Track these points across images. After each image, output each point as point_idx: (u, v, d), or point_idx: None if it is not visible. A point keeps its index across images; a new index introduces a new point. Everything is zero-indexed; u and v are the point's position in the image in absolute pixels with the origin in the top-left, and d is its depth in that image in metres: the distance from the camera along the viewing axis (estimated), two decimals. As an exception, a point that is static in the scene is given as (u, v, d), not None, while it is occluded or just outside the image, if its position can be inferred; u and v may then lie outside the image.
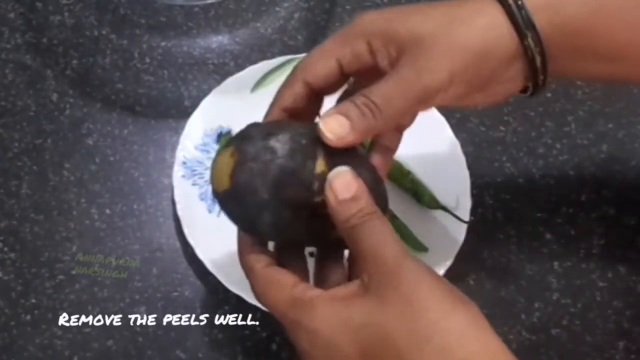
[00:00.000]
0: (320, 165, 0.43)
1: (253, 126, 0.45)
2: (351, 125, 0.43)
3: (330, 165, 0.43)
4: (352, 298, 0.41)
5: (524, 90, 0.49)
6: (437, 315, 0.39)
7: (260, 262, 0.44)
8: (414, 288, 0.40)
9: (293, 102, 0.47)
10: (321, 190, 0.42)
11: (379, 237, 0.41)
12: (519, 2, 0.45)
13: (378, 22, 0.46)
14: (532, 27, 0.45)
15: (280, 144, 0.43)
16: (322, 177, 0.43)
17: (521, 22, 0.44)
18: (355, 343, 0.40)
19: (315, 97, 0.48)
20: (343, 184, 0.42)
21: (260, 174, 0.42)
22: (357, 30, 0.46)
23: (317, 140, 0.43)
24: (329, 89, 0.48)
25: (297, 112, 0.47)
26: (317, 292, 0.42)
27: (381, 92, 0.44)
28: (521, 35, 0.45)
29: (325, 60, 0.46)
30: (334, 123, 0.43)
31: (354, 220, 0.41)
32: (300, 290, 0.42)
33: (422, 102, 0.45)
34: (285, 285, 0.43)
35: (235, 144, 0.43)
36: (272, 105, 0.48)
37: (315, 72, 0.46)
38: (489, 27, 0.45)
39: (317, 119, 0.46)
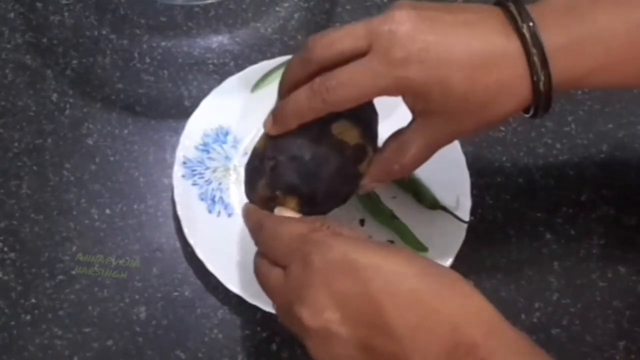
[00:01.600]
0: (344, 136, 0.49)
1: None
2: (382, 184, 0.52)
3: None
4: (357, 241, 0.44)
5: (526, 110, 0.50)
6: (421, 280, 0.41)
7: (270, 214, 0.48)
8: (401, 255, 0.43)
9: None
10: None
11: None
12: (549, 82, 0.46)
13: (415, 79, 0.46)
14: (550, 98, 0.47)
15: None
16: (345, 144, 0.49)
17: (542, 97, 0.47)
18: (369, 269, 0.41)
19: None
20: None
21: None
22: (393, 80, 0.46)
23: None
24: None
25: None
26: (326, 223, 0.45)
27: (413, 158, 0.49)
28: (537, 100, 0.47)
29: (358, 101, 0.47)
30: (371, 188, 0.52)
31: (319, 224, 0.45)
32: (319, 224, 0.45)
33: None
34: (300, 220, 0.47)
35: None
36: (289, 118, 0.49)
37: (344, 108, 0.48)
38: (516, 111, 0.48)
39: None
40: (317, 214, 0.49)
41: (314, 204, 0.49)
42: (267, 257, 0.46)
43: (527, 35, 0.45)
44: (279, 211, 0.49)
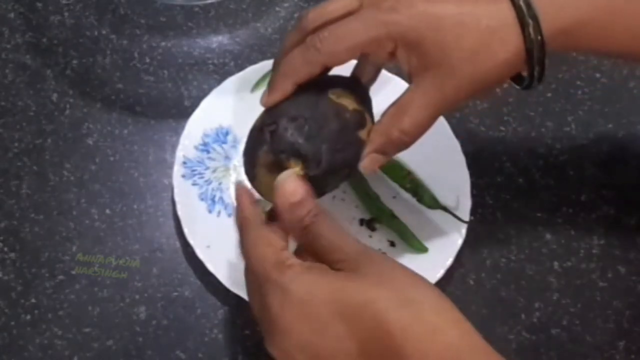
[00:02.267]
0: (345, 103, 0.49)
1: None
2: (387, 158, 0.49)
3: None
4: (327, 272, 0.43)
5: (519, 80, 0.50)
6: (407, 285, 0.42)
7: (257, 218, 0.46)
8: (382, 267, 0.43)
9: (306, 79, 0.49)
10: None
11: (336, 231, 0.44)
12: (538, 26, 0.46)
13: (407, 28, 0.46)
14: (542, 47, 0.46)
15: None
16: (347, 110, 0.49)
17: (534, 45, 0.46)
18: (330, 304, 0.41)
19: None
20: (289, 190, 0.45)
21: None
22: (386, 31, 0.46)
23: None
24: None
25: None
26: (297, 261, 0.44)
27: (413, 122, 0.48)
28: (528, 51, 0.46)
29: (351, 52, 0.48)
30: (373, 163, 0.49)
31: (307, 219, 0.44)
32: (286, 254, 0.44)
33: (440, 116, 0.49)
34: (275, 245, 0.45)
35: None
36: (285, 79, 0.49)
37: (338, 61, 0.48)
38: (509, 61, 0.47)
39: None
40: (323, 180, 0.48)
41: (318, 165, 0.47)
42: (249, 276, 0.46)
43: None
44: (287, 174, 0.46)
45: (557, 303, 0.59)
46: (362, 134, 0.49)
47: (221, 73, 0.67)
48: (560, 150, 0.65)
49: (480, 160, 0.64)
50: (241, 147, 0.63)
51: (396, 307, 0.40)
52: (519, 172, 0.64)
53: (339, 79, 0.50)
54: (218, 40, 0.69)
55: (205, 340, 0.57)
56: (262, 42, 0.69)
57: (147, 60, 0.68)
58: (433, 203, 0.61)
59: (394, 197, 0.62)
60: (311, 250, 0.45)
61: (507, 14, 0.46)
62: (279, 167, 0.47)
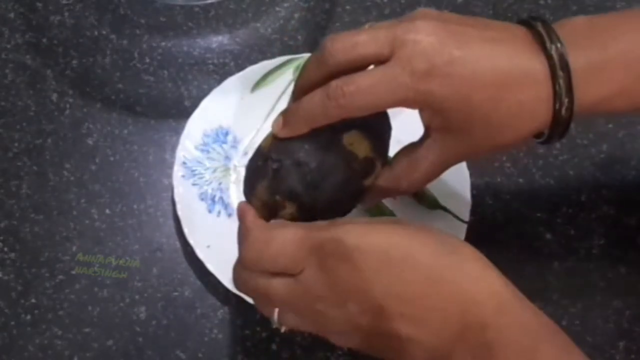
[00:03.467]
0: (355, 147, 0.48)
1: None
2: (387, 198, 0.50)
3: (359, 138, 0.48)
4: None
5: (538, 135, 0.49)
6: (448, 238, 0.44)
7: (260, 222, 0.47)
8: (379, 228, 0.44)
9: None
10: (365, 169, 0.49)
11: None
12: (571, 106, 0.45)
13: (438, 100, 0.45)
14: (569, 122, 0.46)
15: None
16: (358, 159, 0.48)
17: (561, 122, 0.46)
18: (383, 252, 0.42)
19: None
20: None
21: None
22: (417, 97, 0.45)
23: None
24: None
25: None
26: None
27: (424, 175, 0.48)
28: (555, 124, 0.46)
29: (374, 110, 0.46)
30: (374, 203, 0.53)
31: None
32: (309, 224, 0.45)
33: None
34: (292, 226, 0.45)
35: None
36: (302, 121, 0.47)
37: (359, 115, 0.46)
38: (534, 132, 0.47)
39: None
40: (313, 219, 0.48)
41: (312, 214, 0.47)
42: (258, 270, 0.45)
43: (555, 57, 0.44)
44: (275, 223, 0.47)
45: (557, 303, 0.59)
46: (368, 181, 0.49)
47: (221, 73, 0.67)
48: (560, 150, 0.65)
49: (480, 160, 0.64)
50: (241, 147, 0.63)
51: (441, 254, 0.42)
52: (519, 172, 0.64)
53: (358, 119, 0.47)
54: (218, 40, 0.69)
55: (205, 340, 0.57)
56: (262, 42, 0.69)
57: (147, 60, 0.68)
58: (433, 203, 0.61)
59: (394, 197, 0.62)
60: None
61: (542, 83, 0.45)
62: (273, 206, 0.48)
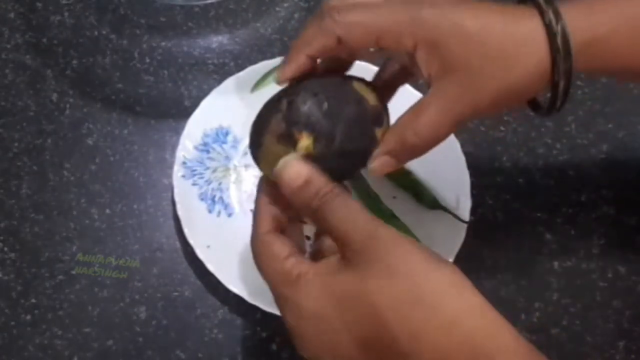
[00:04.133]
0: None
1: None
2: (398, 163, 0.46)
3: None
4: (334, 273, 0.42)
5: (536, 107, 0.49)
6: (418, 279, 0.40)
7: (263, 225, 0.45)
8: (392, 254, 0.40)
9: (320, 53, 0.46)
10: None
11: (345, 213, 0.42)
12: (566, 37, 0.44)
13: (430, 25, 0.44)
14: (569, 58, 0.45)
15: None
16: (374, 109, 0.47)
17: (561, 55, 0.44)
18: (341, 314, 0.41)
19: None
20: (292, 173, 0.43)
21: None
22: (408, 22, 0.44)
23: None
24: (357, 54, 0.48)
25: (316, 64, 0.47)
26: (305, 267, 0.43)
27: (428, 125, 0.45)
28: (555, 62, 0.45)
29: (367, 36, 0.45)
30: (383, 166, 0.46)
31: (314, 202, 0.42)
32: (290, 264, 0.43)
33: (460, 126, 0.46)
34: (278, 256, 0.43)
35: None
36: (298, 50, 0.47)
37: (352, 40, 0.45)
38: (534, 72, 0.45)
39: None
40: (331, 163, 0.45)
41: (330, 144, 0.45)
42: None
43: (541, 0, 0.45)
44: (289, 158, 0.44)
45: (557, 303, 0.59)
46: (378, 132, 0.46)
47: (221, 73, 0.67)
48: (560, 150, 0.65)
49: (480, 160, 0.64)
50: (241, 147, 0.63)
51: (402, 303, 0.40)
52: (519, 172, 0.64)
53: (363, 79, 0.48)
54: (218, 40, 0.69)
55: (205, 340, 0.57)
56: (262, 42, 0.69)
57: (147, 60, 0.68)
58: (433, 203, 0.61)
59: (394, 197, 0.62)
60: (320, 229, 0.44)
61: (535, 24, 0.45)
62: (289, 138, 0.45)
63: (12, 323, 0.57)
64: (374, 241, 0.41)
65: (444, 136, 0.46)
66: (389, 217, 0.60)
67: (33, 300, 0.58)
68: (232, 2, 0.71)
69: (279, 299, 0.43)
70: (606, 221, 0.63)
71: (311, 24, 0.46)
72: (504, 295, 0.59)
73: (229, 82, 0.64)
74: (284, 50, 0.68)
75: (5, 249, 0.60)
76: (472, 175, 0.61)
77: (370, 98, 0.47)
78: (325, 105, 0.45)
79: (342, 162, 0.46)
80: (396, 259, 0.40)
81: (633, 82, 0.67)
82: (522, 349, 0.41)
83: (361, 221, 0.42)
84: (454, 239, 0.59)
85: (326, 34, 0.45)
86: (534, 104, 0.50)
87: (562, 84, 0.45)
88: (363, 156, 0.47)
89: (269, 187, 0.46)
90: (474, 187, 0.61)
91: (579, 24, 0.45)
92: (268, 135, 0.46)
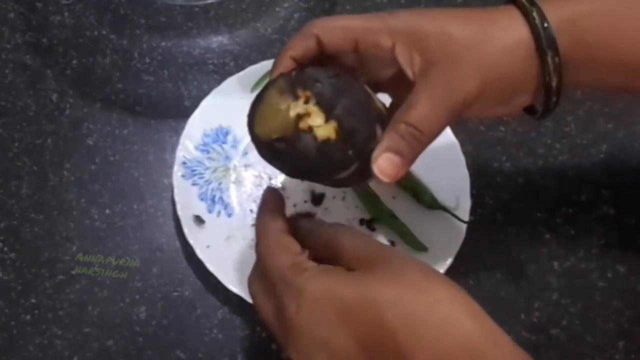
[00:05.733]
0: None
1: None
2: (403, 161, 0.45)
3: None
4: (339, 273, 0.43)
5: (533, 111, 0.49)
6: (432, 297, 0.41)
7: (277, 224, 0.47)
8: (404, 267, 0.42)
9: (302, 54, 0.48)
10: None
11: (350, 233, 0.46)
12: (545, 24, 0.45)
13: (407, 23, 0.46)
14: (554, 47, 0.45)
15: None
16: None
17: (544, 43, 0.45)
18: (337, 303, 0.41)
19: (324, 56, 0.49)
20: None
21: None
22: (384, 25, 0.47)
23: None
24: (338, 54, 0.49)
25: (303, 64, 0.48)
26: (314, 264, 0.44)
27: (420, 115, 0.45)
28: (542, 55, 0.46)
29: (344, 37, 0.47)
30: (388, 165, 0.45)
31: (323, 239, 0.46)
32: (302, 258, 0.45)
33: (454, 116, 0.46)
34: (292, 249, 0.45)
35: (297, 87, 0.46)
36: (283, 53, 0.48)
37: (331, 40, 0.47)
38: (517, 48, 0.46)
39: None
40: (332, 148, 0.45)
41: (330, 111, 0.44)
42: (262, 282, 0.46)
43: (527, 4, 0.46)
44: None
45: (557, 303, 0.59)
46: (379, 130, 0.46)
47: (221, 73, 0.67)
48: (560, 150, 0.65)
49: (480, 160, 0.64)
50: (241, 147, 0.63)
51: (404, 301, 0.40)
52: (519, 172, 0.64)
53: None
54: (218, 40, 0.69)
55: (205, 340, 0.57)
56: (262, 42, 0.69)
57: (147, 60, 0.68)
58: (433, 203, 0.61)
59: (394, 197, 0.62)
60: (326, 253, 0.45)
61: (510, 8, 0.46)
62: (291, 93, 0.45)
63: (12, 323, 0.57)
64: (386, 254, 0.43)
65: (442, 127, 0.46)
66: (389, 217, 0.60)
67: (33, 300, 0.58)
68: (232, 2, 0.71)
69: (281, 285, 0.44)
70: (606, 221, 0.63)
71: (294, 34, 0.48)
72: (504, 295, 0.59)
73: (229, 82, 0.64)
74: (284, 50, 0.69)
75: (5, 249, 0.60)
76: (472, 175, 0.61)
77: (378, 101, 0.47)
78: (334, 80, 0.46)
79: (343, 142, 0.45)
80: (398, 264, 0.42)
81: (621, 93, 0.66)
82: (483, 341, 0.41)
83: (363, 238, 0.45)
84: (454, 239, 0.59)
85: (306, 36, 0.47)
86: (529, 108, 0.50)
87: (550, 58, 0.46)
88: (363, 145, 0.45)
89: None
90: (474, 187, 0.61)
91: (558, 11, 0.46)
92: (272, 90, 0.46)
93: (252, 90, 0.64)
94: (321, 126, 0.45)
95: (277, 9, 0.71)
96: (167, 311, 0.58)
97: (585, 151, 0.66)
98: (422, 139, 0.46)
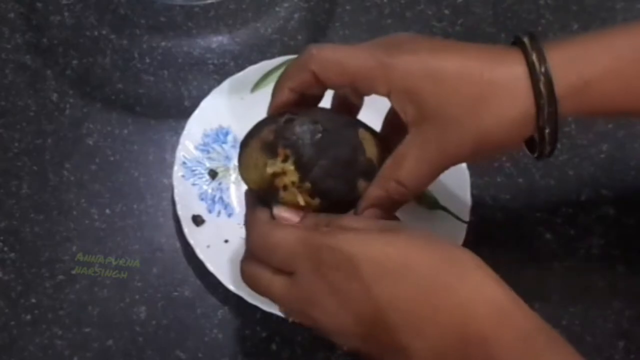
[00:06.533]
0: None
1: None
2: (385, 215, 0.47)
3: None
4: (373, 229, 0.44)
5: (533, 148, 0.48)
6: (462, 266, 0.42)
7: (267, 215, 0.46)
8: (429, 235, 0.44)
9: (299, 86, 0.47)
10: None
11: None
12: (549, 81, 0.43)
13: (405, 73, 0.44)
14: (553, 121, 0.44)
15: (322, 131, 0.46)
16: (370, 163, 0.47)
17: (545, 116, 0.44)
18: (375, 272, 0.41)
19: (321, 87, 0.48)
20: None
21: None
22: (381, 69, 0.45)
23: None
24: (334, 88, 0.49)
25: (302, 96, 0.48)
26: (337, 221, 0.45)
27: (409, 173, 0.46)
28: (540, 129, 0.45)
29: (340, 74, 0.46)
30: (371, 217, 0.46)
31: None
32: (316, 220, 0.45)
33: (441, 173, 0.47)
34: (294, 226, 0.45)
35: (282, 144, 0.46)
36: (280, 84, 0.48)
37: (327, 77, 0.46)
38: (517, 123, 0.44)
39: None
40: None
41: (306, 173, 0.45)
42: (263, 264, 0.45)
43: (527, 42, 0.44)
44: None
45: (557, 303, 0.59)
46: (362, 184, 0.47)
47: (221, 73, 0.67)
48: (560, 150, 0.65)
49: (478, 163, 0.64)
50: (241, 147, 0.63)
51: (439, 263, 0.41)
52: (519, 172, 0.64)
53: (373, 130, 0.49)
54: (218, 40, 0.69)
55: (205, 340, 0.57)
56: (262, 42, 0.69)
57: (147, 60, 0.68)
58: (433, 203, 0.61)
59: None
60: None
61: (518, 69, 0.44)
62: (271, 149, 0.46)
63: (12, 323, 0.57)
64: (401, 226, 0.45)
65: (428, 181, 0.47)
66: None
67: (33, 300, 0.58)
68: (232, 2, 0.71)
69: (307, 249, 0.43)
70: (606, 221, 0.63)
71: (295, 59, 0.48)
72: (504, 295, 0.59)
73: (229, 82, 0.64)
74: (284, 50, 0.68)
75: (5, 249, 0.60)
76: (472, 175, 0.61)
77: (370, 150, 0.47)
78: (319, 135, 0.46)
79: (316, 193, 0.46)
80: (415, 247, 0.43)
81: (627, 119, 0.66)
82: (510, 304, 0.41)
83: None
84: (454, 239, 0.59)
85: (303, 69, 0.46)
86: (531, 145, 0.48)
87: (547, 131, 0.45)
88: (340, 199, 0.47)
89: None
90: (474, 187, 0.61)
91: (565, 67, 0.44)
92: (256, 138, 0.47)
93: (252, 90, 0.64)
94: (289, 191, 0.46)
95: (277, 9, 0.71)
96: (167, 311, 0.58)
97: (585, 151, 0.66)
98: (407, 195, 0.47)
